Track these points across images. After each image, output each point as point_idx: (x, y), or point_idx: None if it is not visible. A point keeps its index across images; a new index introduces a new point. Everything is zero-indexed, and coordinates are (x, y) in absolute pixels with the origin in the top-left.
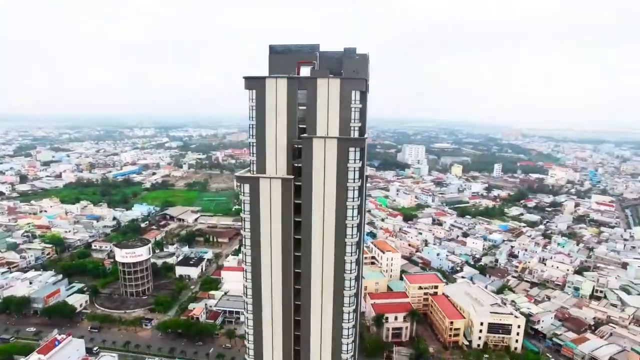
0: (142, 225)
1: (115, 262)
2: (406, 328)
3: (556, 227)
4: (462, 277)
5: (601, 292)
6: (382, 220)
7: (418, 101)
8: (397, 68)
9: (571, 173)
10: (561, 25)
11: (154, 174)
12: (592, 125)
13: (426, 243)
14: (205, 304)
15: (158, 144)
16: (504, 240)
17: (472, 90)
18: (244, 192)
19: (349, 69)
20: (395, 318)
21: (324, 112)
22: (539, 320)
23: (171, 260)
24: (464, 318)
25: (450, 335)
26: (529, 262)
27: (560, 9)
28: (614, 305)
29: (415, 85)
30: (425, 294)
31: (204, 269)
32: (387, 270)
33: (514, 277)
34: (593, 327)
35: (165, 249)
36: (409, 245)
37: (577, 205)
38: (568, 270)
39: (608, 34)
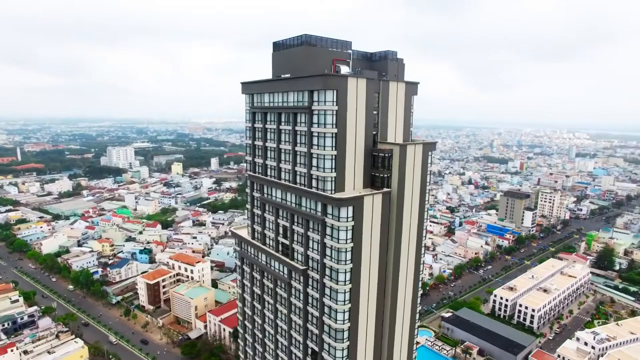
0: None
1: None
2: None
3: None
4: None
5: None
6: (141, 233)
7: (88, 99)
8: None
9: None
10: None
11: None
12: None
13: (210, 245)
14: None
15: None
16: None
17: (144, 86)
18: (347, 218)
19: (392, 72)
20: None
21: (393, 116)
22: None
23: None
24: None
25: None
26: None
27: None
28: None
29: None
30: None
31: None
32: (201, 282)
33: None
34: None
35: None
36: (193, 252)
37: None
38: None
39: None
